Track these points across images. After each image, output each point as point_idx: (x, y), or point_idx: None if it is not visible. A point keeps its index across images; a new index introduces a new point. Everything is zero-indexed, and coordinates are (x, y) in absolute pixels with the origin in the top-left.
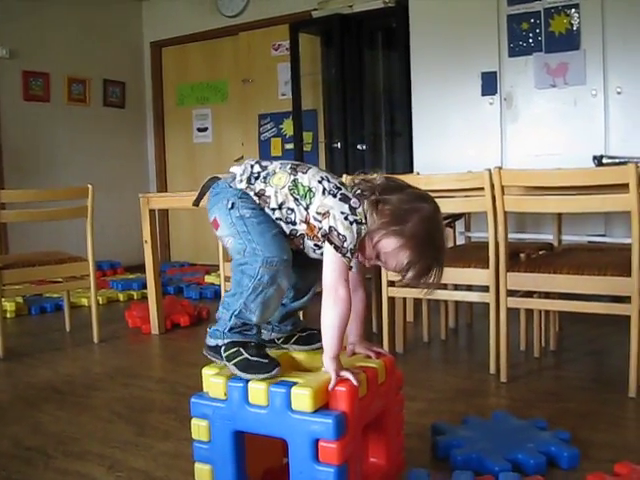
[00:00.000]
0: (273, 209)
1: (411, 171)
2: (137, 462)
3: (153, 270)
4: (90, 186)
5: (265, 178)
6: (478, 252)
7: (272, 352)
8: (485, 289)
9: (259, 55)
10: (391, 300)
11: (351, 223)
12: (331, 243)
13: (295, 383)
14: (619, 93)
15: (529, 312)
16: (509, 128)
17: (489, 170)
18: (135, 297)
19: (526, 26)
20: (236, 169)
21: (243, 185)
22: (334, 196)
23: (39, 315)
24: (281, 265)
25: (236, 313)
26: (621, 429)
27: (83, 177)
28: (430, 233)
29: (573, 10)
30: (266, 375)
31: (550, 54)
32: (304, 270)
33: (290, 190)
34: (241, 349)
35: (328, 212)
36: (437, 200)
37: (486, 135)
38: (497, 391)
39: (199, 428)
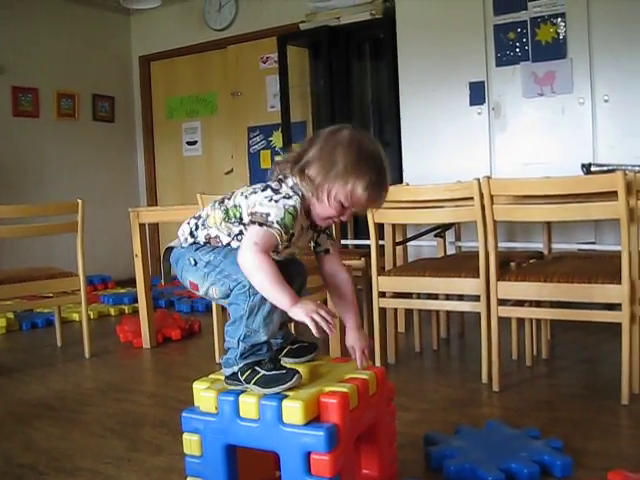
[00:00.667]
0: (229, 243)
1: (401, 181)
2: (130, 477)
3: (144, 284)
4: (80, 201)
5: (203, 225)
6: (468, 262)
7: None
8: (476, 298)
9: (248, 68)
10: (382, 311)
11: (276, 201)
12: (254, 222)
13: (286, 396)
14: (606, 101)
15: (520, 321)
16: (498, 137)
17: (478, 180)
18: (126, 311)
19: (513, 35)
20: (179, 232)
21: (190, 242)
22: (255, 193)
23: (30, 330)
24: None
25: (242, 338)
26: (614, 437)
27: (73, 192)
28: (360, 150)
29: (559, 19)
30: (289, 384)
31: (537, 63)
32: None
33: (226, 220)
34: (257, 367)
35: (254, 205)
36: (427, 210)
37: (475, 144)
38: (490, 400)
39: (191, 443)
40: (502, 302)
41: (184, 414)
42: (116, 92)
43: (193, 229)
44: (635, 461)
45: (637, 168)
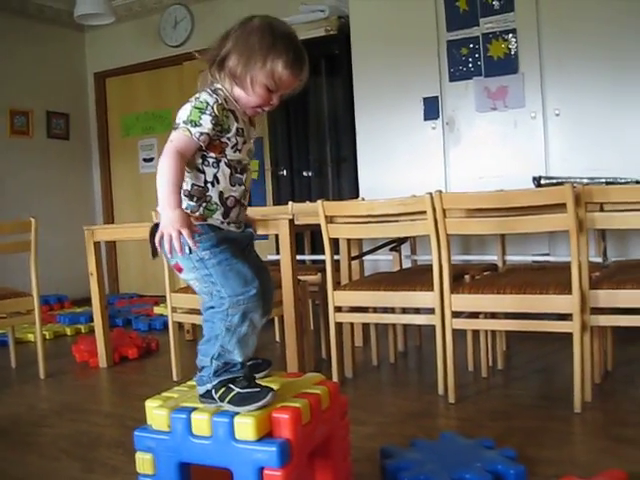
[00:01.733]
0: (206, 180)
1: (357, 196)
2: None
3: (99, 302)
4: (33, 219)
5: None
6: (423, 275)
7: None
8: (431, 311)
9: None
10: (338, 325)
11: (188, 103)
12: (175, 129)
13: (238, 412)
14: (557, 115)
15: (476, 333)
16: (452, 151)
17: (430, 194)
18: (83, 331)
19: (465, 51)
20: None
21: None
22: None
23: None
24: (249, 302)
25: (215, 357)
26: (567, 445)
27: (27, 210)
28: (273, 32)
29: (510, 35)
30: (263, 402)
31: (490, 78)
32: None
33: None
34: (231, 385)
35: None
36: (382, 225)
37: (430, 159)
38: (446, 412)
39: (143, 461)
40: (456, 314)
41: (136, 433)
42: (71, 109)
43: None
44: (586, 468)
45: (585, 180)
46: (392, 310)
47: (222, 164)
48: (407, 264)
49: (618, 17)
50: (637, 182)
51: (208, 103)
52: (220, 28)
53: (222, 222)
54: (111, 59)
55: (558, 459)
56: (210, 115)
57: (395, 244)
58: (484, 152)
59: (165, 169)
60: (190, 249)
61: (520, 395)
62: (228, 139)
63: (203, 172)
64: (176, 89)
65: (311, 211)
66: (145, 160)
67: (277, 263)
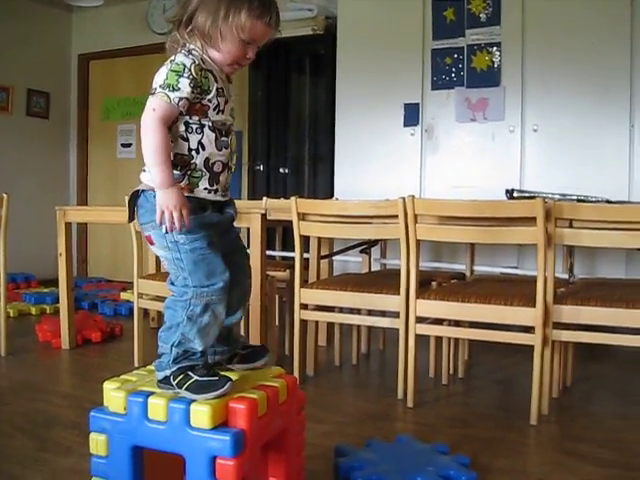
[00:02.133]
0: (190, 147)
1: (331, 196)
2: (35, 477)
3: (66, 284)
4: (5, 195)
5: None
6: (391, 279)
7: None
8: (396, 315)
9: None
10: (303, 323)
11: (168, 68)
12: (152, 94)
13: (194, 400)
14: (535, 130)
15: (439, 339)
16: (429, 159)
17: (403, 198)
18: (48, 311)
19: (449, 61)
20: (141, 175)
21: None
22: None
23: None
24: (213, 294)
25: (175, 344)
26: (521, 455)
27: (1, 186)
28: None
29: (495, 48)
30: (220, 391)
31: (471, 89)
32: (231, 287)
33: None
34: (190, 372)
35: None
36: (353, 226)
37: (406, 165)
38: (404, 416)
39: (97, 442)
40: (421, 320)
41: (92, 413)
42: (52, 88)
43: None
44: (539, 478)
45: (557, 196)
46: (358, 311)
47: (206, 129)
48: (376, 267)
49: (601, 36)
50: (608, 202)
51: (185, 65)
52: None
53: (209, 191)
54: (97, 42)
55: (511, 469)
56: (188, 78)
57: (366, 246)
58: (461, 162)
59: (151, 141)
60: (166, 231)
61: (478, 404)
62: (209, 101)
63: (187, 140)
64: None
65: (284, 207)
66: (123, 145)
67: None
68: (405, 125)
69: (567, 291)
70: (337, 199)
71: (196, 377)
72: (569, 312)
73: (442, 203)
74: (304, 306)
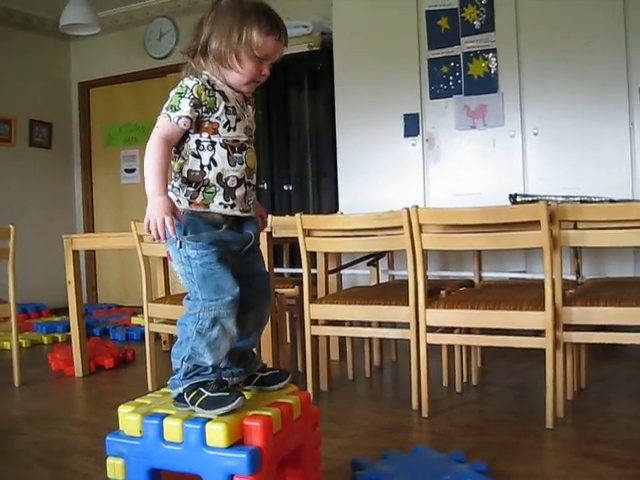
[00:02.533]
0: (202, 164)
1: (336, 210)
2: None
3: (77, 311)
4: (12, 227)
5: (176, 179)
6: (399, 289)
7: None
8: (406, 326)
9: None
10: (314, 339)
11: (174, 91)
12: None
13: (209, 419)
14: (535, 134)
15: (451, 348)
16: (431, 168)
17: (407, 209)
18: (60, 340)
19: (446, 69)
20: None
21: (178, 197)
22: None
23: None
24: (221, 308)
25: (185, 359)
26: (538, 460)
27: (7, 218)
28: (242, 5)
29: (491, 54)
30: (231, 406)
31: (469, 96)
32: (247, 310)
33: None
34: (201, 389)
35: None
36: (359, 239)
37: (409, 175)
38: (419, 426)
39: (115, 467)
40: (431, 329)
41: (108, 438)
42: (54, 118)
43: (171, 186)
44: None
45: (560, 199)
46: (368, 324)
47: (217, 146)
48: (385, 279)
49: (596, 35)
50: (611, 201)
51: (187, 87)
52: None
53: (225, 205)
54: (95, 69)
55: (528, 474)
56: (188, 98)
57: (372, 259)
58: (463, 169)
59: (150, 155)
60: (180, 244)
61: (493, 410)
62: (218, 118)
63: (199, 157)
64: (159, 101)
65: (290, 224)
66: (127, 171)
67: None
68: (406, 136)
69: (576, 293)
70: (342, 213)
71: (208, 393)
72: (579, 313)
73: (446, 212)
74: (314, 322)
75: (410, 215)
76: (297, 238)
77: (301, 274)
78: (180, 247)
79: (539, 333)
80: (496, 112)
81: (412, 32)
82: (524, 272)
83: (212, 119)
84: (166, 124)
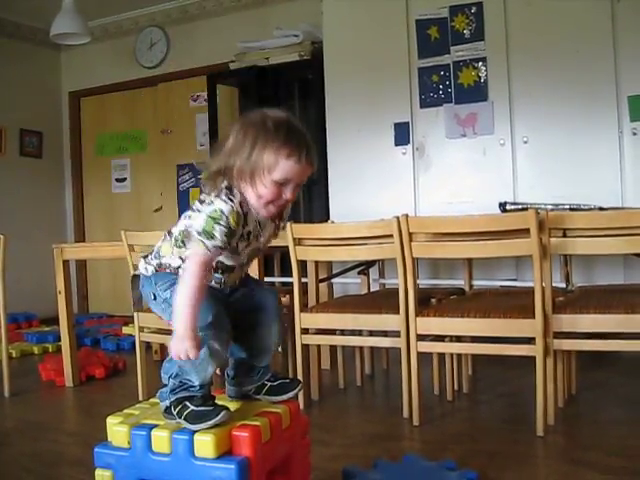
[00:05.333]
0: (179, 266)
1: (327, 219)
2: None
3: (67, 321)
4: (2, 236)
5: (156, 256)
6: (390, 298)
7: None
8: (397, 334)
9: (178, 106)
10: (305, 347)
11: (199, 212)
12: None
13: (198, 430)
14: (525, 142)
15: (442, 356)
16: (422, 177)
17: (397, 217)
18: (50, 350)
19: (436, 78)
20: (139, 264)
21: (149, 269)
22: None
23: None
24: (204, 331)
25: (173, 376)
26: (529, 467)
27: None
28: (267, 124)
29: (480, 63)
30: (214, 421)
31: (460, 105)
32: (256, 328)
33: (177, 246)
34: (187, 403)
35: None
36: (349, 248)
37: (400, 184)
38: (410, 434)
39: (103, 478)
40: (421, 337)
41: (96, 449)
42: (45, 127)
43: (150, 259)
44: None
45: (550, 206)
46: (359, 333)
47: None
48: (375, 287)
49: (586, 46)
50: (601, 209)
51: (223, 213)
52: (194, 50)
53: (218, 284)
54: (86, 79)
55: None
56: (225, 227)
57: (363, 267)
58: (453, 178)
59: (188, 284)
60: (154, 295)
61: (484, 418)
62: (228, 243)
63: (182, 263)
64: (150, 110)
65: (280, 233)
66: (118, 180)
67: None
68: (396, 144)
69: (566, 300)
70: (333, 222)
71: (192, 407)
72: (569, 321)
73: (436, 220)
74: (305, 330)
75: (400, 223)
76: (288, 247)
77: (292, 283)
78: (155, 298)
79: (529, 341)
80: (486, 120)
81: (402, 41)
82: (515, 280)
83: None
84: (203, 253)
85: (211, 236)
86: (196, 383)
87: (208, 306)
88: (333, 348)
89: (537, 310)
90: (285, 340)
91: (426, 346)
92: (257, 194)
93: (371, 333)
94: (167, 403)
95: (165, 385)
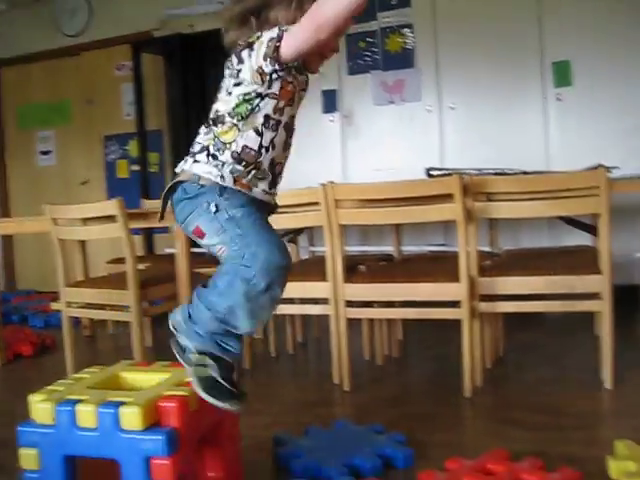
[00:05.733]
0: (261, 143)
1: None
2: None
3: None
4: None
5: (219, 147)
6: (319, 265)
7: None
8: (327, 302)
9: (102, 75)
10: None
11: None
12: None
13: (123, 402)
14: (452, 109)
15: (372, 322)
16: (350, 144)
17: (323, 185)
18: None
19: (363, 44)
20: (187, 166)
21: (226, 176)
22: (252, 50)
23: None
24: (278, 272)
25: (220, 317)
26: (457, 428)
27: None
28: None
29: (407, 30)
30: (223, 404)
31: (387, 72)
32: None
33: (244, 117)
34: (211, 363)
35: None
36: (277, 216)
37: (328, 151)
38: (341, 400)
39: (28, 457)
40: (350, 304)
41: (20, 427)
42: None
43: (214, 160)
44: (475, 450)
45: (474, 172)
46: (290, 301)
47: (281, 128)
48: (305, 255)
49: (511, 14)
50: (525, 173)
51: (280, 28)
52: (118, 18)
53: (266, 193)
54: (7, 47)
55: (447, 442)
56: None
57: (292, 235)
58: (381, 145)
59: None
60: (217, 207)
61: (413, 382)
62: (294, 87)
63: (261, 135)
64: (74, 80)
65: None
66: (42, 153)
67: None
68: (324, 112)
69: (492, 264)
70: None
71: (214, 374)
72: (494, 284)
73: (361, 187)
74: None
75: (326, 191)
76: None
77: (202, 254)
78: (217, 211)
79: (456, 304)
80: (414, 87)
81: None
82: (444, 245)
83: (289, 86)
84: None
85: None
86: (241, 330)
87: (285, 248)
88: None
89: (462, 274)
90: None
91: (355, 312)
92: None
93: (302, 301)
94: (189, 344)
95: (197, 316)
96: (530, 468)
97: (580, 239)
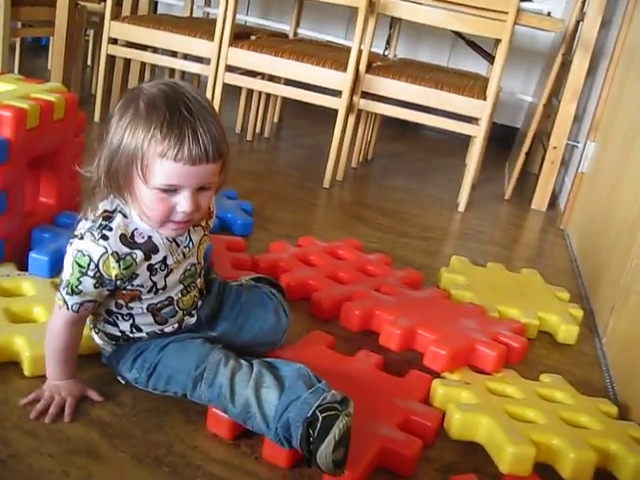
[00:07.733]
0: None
1: None
2: None
3: None
4: None
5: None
6: (208, 25)
7: None
8: (209, 62)
9: None
10: (111, 59)
11: (73, 256)
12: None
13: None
14: None
15: (250, 98)
16: None
17: None
18: None
19: None
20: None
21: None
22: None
23: None
24: (208, 367)
25: (277, 420)
26: (307, 211)
27: None
28: (135, 103)
29: None
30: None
31: None
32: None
33: None
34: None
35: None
36: None
37: None
38: None
39: None
40: (231, 69)
41: None
42: None
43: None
44: (319, 234)
45: None
46: (174, 54)
47: (138, 316)
48: (198, 15)
49: None
50: None
51: (91, 259)
52: None
53: (161, 330)
54: None
55: (294, 222)
56: (93, 277)
57: None
58: None
59: (50, 345)
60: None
61: (278, 163)
62: (140, 285)
63: (115, 325)
64: None
65: None
66: None
67: None
68: None
69: (382, 64)
70: None
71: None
72: (379, 84)
73: None
74: (113, 41)
75: None
76: None
77: None
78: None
79: (338, 95)
80: None
81: None
82: (344, 38)
83: (129, 287)
84: (62, 311)
85: (74, 290)
86: (276, 399)
87: (200, 351)
88: (142, 69)
89: (350, 65)
90: (94, 54)
91: (233, 78)
92: (145, 209)
93: (186, 58)
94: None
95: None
96: (378, 261)
97: (477, 68)
